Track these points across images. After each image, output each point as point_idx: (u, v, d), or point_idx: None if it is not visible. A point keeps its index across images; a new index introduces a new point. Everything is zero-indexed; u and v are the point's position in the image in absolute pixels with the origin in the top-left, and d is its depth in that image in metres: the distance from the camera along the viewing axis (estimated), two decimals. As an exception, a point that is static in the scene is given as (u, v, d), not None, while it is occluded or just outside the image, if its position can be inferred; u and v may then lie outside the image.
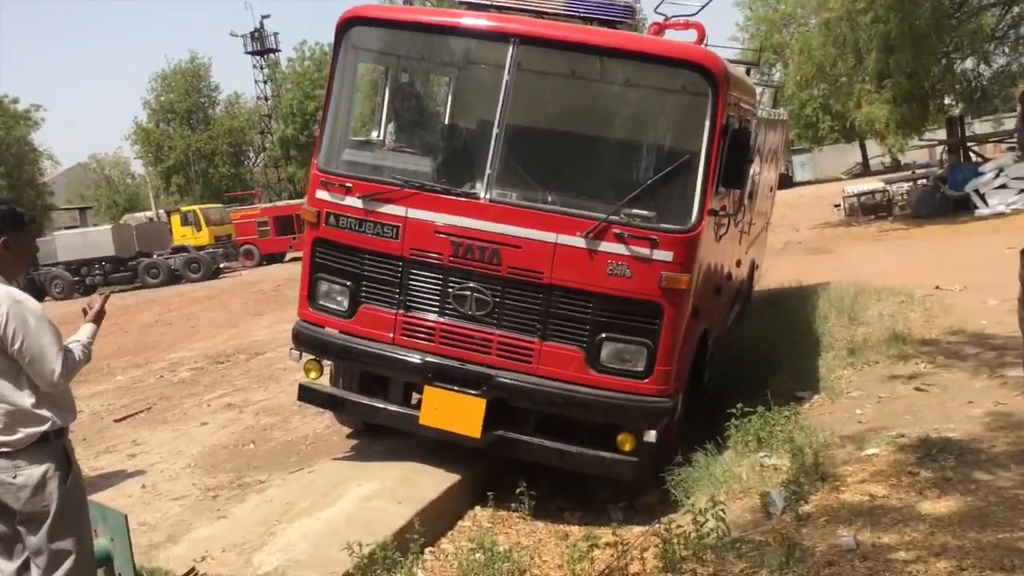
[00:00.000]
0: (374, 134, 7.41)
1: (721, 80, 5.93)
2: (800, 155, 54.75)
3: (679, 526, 4.86)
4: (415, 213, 6.18)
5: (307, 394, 6.88)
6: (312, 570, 5.02)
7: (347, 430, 7.80)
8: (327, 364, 6.93)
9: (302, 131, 57.83)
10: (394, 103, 7.10)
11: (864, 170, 49.73)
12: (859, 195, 25.52)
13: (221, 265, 35.71)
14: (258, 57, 61.51)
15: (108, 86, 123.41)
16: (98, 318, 4.08)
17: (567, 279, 5.96)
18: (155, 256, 34.10)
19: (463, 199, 6.12)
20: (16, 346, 3.67)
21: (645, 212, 5.96)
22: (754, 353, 9.07)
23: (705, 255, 6.32)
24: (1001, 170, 21.18)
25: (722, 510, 4.77)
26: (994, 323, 8.83)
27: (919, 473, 5.20)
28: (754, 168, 9.48)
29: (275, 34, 61.59)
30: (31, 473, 3.74)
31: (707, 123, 5.93)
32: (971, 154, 24.68)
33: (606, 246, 5.89)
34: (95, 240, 33.60)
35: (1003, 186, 20.87)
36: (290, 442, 8.00)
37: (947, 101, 21.76)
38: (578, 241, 5.91)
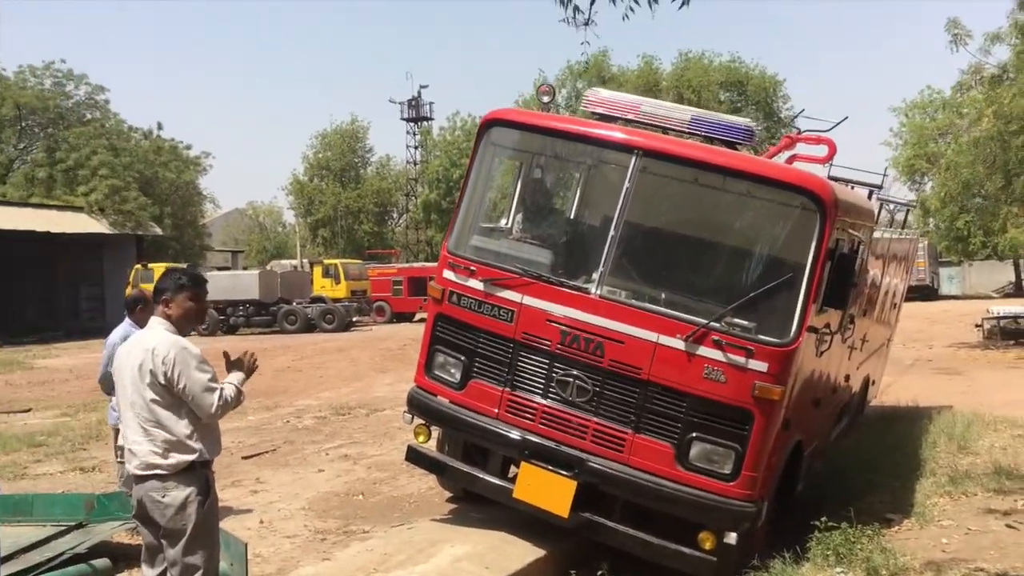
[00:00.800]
0: (503, 222, 8.02)
1: (829, 206, 6.26)
2: (948, 268, 52.99)
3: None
4: (530, 300, 6.70)
5: (414, 456, 7.43)
6: (400, 619, 5.47)
7: (448, 494, 8.28)
8: (435, 430, 7.46)
9: (445, 196, 60.09)
10: (523, 196, 7.69)
11: (1016, 290, 47.63)
12: (1001, 318, 24.62)
13: (354, 319, 37.33)
14: (412, 124, 64.59)
15: (272, 139, 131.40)
16: (249, 371, 4.80)
17: (664, 377, 6.32)
18: (295, 304, 35.97)
19: (575, 292, 6.60)
20: (181, 385, 4.41)
21: (745, 322, 6.28)
22: (856, 469, 9.10)
23: (803, 369, 6.56)
24: None
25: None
26: (1110, 469, 8.59)
27: (990, 609, 5.26)
28: (873, 283, 9.63)
29: (431, 103, 64.72)
30: (176, 495, 4.42)
31: (813, 245, 6.25)
32: None
33: (704, 350, 6.23)
34: (244, 283, 35.78)
35: None
36: (396, 498, 8.56)
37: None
38: (678, 343, 6.28)
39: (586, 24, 5.22)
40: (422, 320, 38.76)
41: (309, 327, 34.96)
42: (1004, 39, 20.65)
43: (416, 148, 65.34)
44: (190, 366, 4.43)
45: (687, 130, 7.05)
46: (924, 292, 41.91)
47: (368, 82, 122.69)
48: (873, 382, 12.20)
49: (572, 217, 8.31)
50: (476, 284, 6.90)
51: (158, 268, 32.19)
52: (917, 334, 25.20)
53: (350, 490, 8.86)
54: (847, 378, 9.31)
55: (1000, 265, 49.74)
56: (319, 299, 37.26)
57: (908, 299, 14.20)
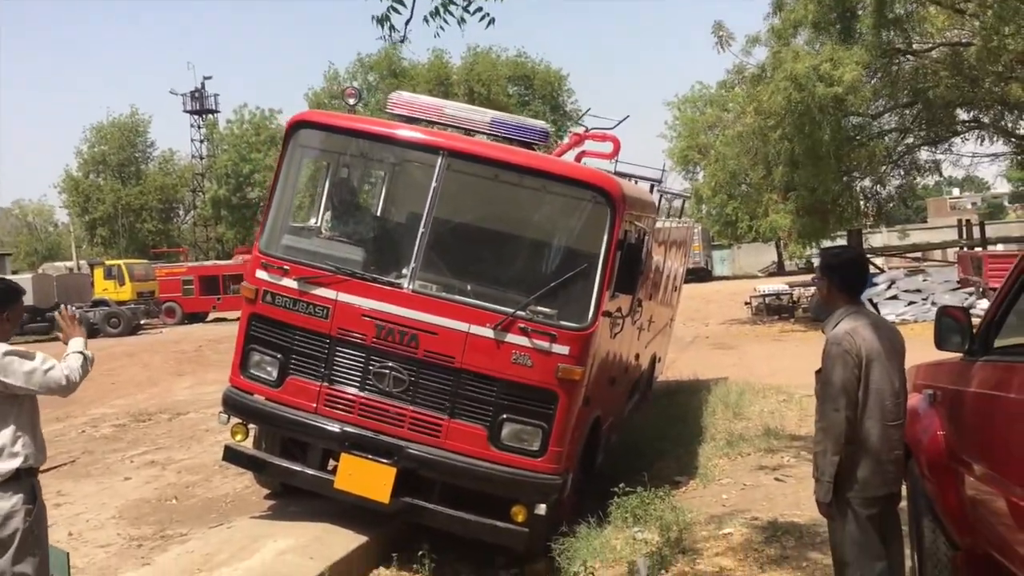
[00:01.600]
0: (312, 221, 8.19)
1: (618, 201, 6.91)
2: (720, 251, 57.23)
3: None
4: (344, 297, 6.93)
5: (232, 455, 7.46)
6: (229, 614, 5.59)
7: (265, 491, 8.35)
8: (252, 428, 7.53)
9: (235, 192, 58.25)
10: (332, 196, 7.89)
11: (779, 269, 52.15)
12: (766, 296, 27.10)
13: (142, 321, 35.60)
14: (197, 116, 61.98)
15: (40, 134, 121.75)
16: (75, 330, 4.62)
17: (476, 364, 6.75)
18: (74, 308, 33.81)
19: (388, 287, 6.90)
20: (18, 383, 4.31)
21: (548, 310, 6.82)
22: (647, 440, 9.96)
23: (599, 350, 7.19)
24: (893, 282, 22.96)
25: (592, 574, 5.54)
26: (858, 424, 9.88)
27: (763, 550, 6.07)
28: (656, 268, 10.53)
29: (215, 95, 62.32)
30: (1, 505, 4.34)
31: (605, 237, 6.87)
32: (870, 265, 26.46)
33: (512, 338, 6.71)
34: (14, 288, 33.20)
35: (894, 297, 22.59)
36: (211, 499, 8.53)
37: (847, 215, 23.56)
38: (487, 332, 6.72)
39: (402, 41, 5.52)
40: (217, 319, 37.69)
41: (92, 333, 32.86)
42: (762, 41, 22.78)
43: (202, 142, 62.76)
44: (13, 364, 4.33)
45: (487, 131, 7.51)
46: (699, 274, 45.16)
47: (147, 72, 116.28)
48: (659, 359, 13.26)
49: (381, 215, 8.60)
50: (290, 283, 7.04)
51: (-87, 275, 29.40)
52: (695, 313, 27.23)
53: (162, 495, 8.73)
54: (637, 357, 10.15)
55: (764, 247, 54.28)
56: (102, 302, 35.30)
57: (686, 281, 15.46)
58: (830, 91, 19.05)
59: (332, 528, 7.18)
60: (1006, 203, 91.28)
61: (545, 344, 6.68)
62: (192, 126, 62.38)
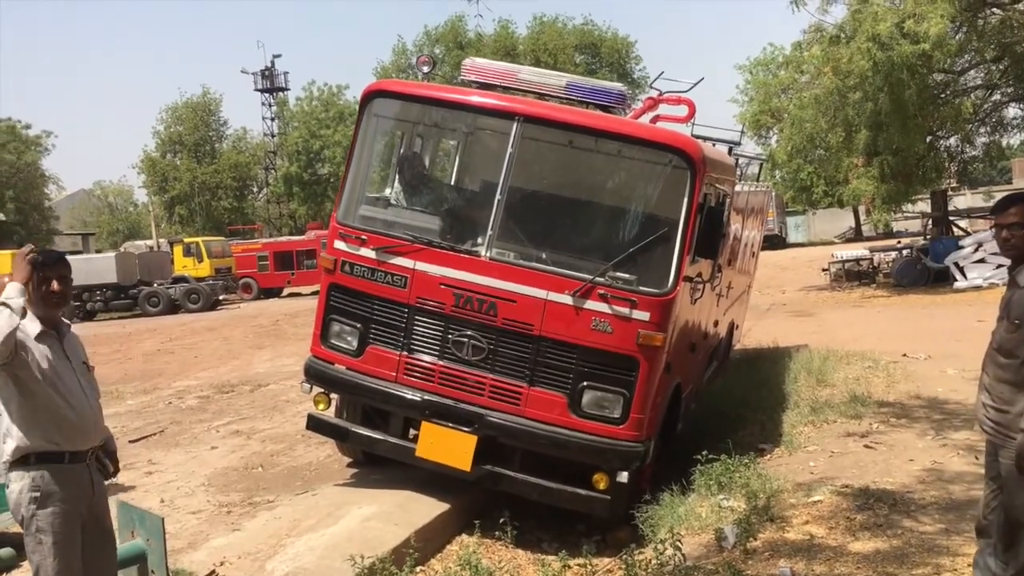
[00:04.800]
0: (388, 191, 8.19)
1: (699, 164, 6.74)
2: (794, 217, 55.97)
3: (642, 554, 5.54)
4: (422, 266, 6.93)
5: (315, 424, 7.58)
6: (318, 578, 5.68)
7: (347, 460, 8.46)
8: (334, 398, 7.62)
9: (306, 168, 58.95)
10: (407, 165, 7.88)
11: (857, 235, 50.79)
12: (845, 261, 26.41)
13: (220, 297, 36.43)
14: (267, 95, 62.76)
15: (118, 115, 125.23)
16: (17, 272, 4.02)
17: (555, 332, 6.70)
18: (156, 285, 34.76)
19: (466, 256, 6.87)
20: None
21: (627, 276, 6.71)
22: (728, 407, 9.80)
23: (680, 316, 7.06)
24: (980, 245, 22.07)
25: (679, 541, 5.46)
26: (948, 390, 9.59)
27: (855, 518, 5.90)
28: (735, 234, 10.30)
29: (285, 73, 62.89)
30: (12, 488, 4.14)
31: (685, 200, 6.71)
32: (954, 228, 25.62)
33: (591, 304, 6.63)
34: (99, 267, 34.24)
35: (982, 260, 21.75)
36: (295, 468, 8.69)
37: (932, 176, 22.75)
38: (566, 299, 6.65)
39: (479, -2, 5.43)
40: (292, 294, 38.36)
41: (173, 308, 33.93)
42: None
43: (273, 120, 63.46)
44: None
45: (563, 95, 7.40)
46: (773, 241, 44.18)
47: (218, 53, 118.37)
48: (737, 327, 13.03)
49: (457, 184, 8.57)
50: (368, 253, 7.07)
51: (2, 255, 30.51)
52: (771, 281, 26.73)
53: (248, 464, 8.92)
54: (716, 323, 9.97)
55: (841, 212, 52.91)
56: (182, 279, 36.15)
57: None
58: (916, 48, 18.29)
59: (415, 496, 7.26)
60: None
61: (625, 310, 6.59)
62: (263, 104, 63.11)
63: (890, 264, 25.90)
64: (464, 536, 7.08)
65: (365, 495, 7.29)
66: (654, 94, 10.43)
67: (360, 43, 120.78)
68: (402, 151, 7.89)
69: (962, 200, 47.48)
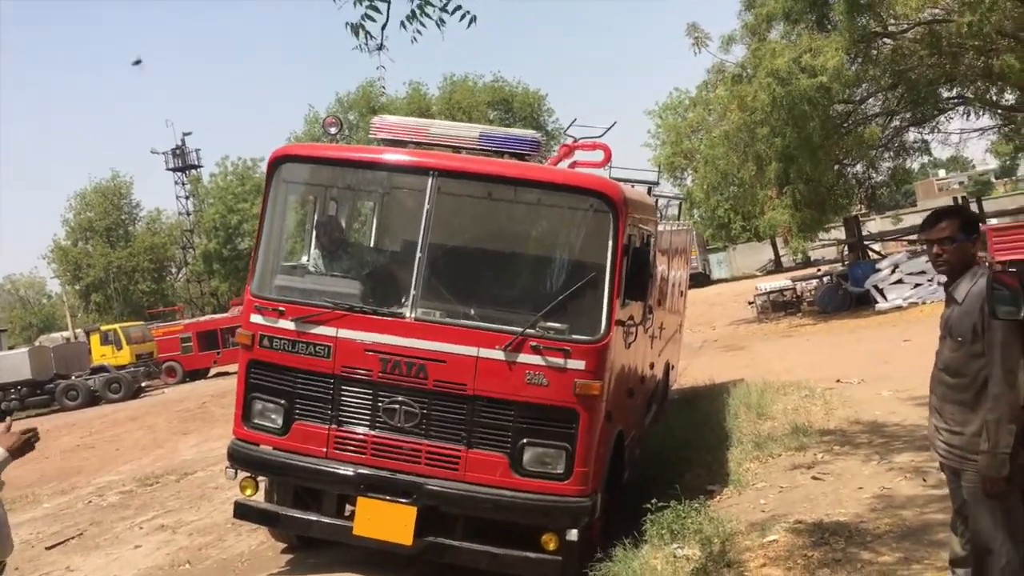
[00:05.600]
0: (304, 259, 7.88)
1: (621, 205, 6.61)
2: (716, 253, 57.04)
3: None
4: (345, 333, 6.61)
5: (243, 511, 7.11)
6: None
7: (282, 545, 7.98)
8: (263, 481, 7.19)
9: (225, 244, 58.02)
10: (322, 231, 7.58)
11: (777, 266, 51.92)
12: (770, 293, 26.81)
13: (143, 384, 35.19)
14: (180, 173, 61.82)
15: (24, 205, 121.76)
16: (16, 449, 3.95)
17: (489, 390, 6.41)
18: (74, 377, 33.41)
19: (390, 318, 6.58)
20: None
21: (558, 325, 6.50)
22: (671, 451, 9.60)
23: (615, 362, 6.87)
24: (896, 266, 22.65)
25: (637, 600, 5.19)
26: (887, 413, 9.59)
27: (812, 555, 5.72)
28: (663, 275, 10.23)
29: (197, 150, 62.26)
30: None
31: (610, 243, 6.56)
32: (869, 252, 26.26)
33: (524, 357, 6.38)
34: (11, 364, 32.81)
35: (899, 281, 22.28)
36: (226, 560, 8.16)
37: (843, 202, 23.35)
38: (498, 354, 6.39)
39: (379, 49, 5.24)
40: (220, 374, 37.25)
41: (93, 400, 32.57)
42: (738, 39, 22.65)
43: (187, 198, 62.54)
44: None
45: (477, 147, 7.22)
46: (698, 279, 44.79)
47: (125, 134, 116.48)
48: (672, 367, 12.93)
49: (375, 246, 8.30)
50: (287, 324, 6.73)
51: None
52: (700, 318, 26.92)
53: (174, 560, 8.35)
54: (652, 366, 9.82)
55: (760, 245, 54.13)
56: (101, 368, 34.82)
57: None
58: (814, 81, 18.88)
59: (355, 577, 6.84)
60: (993, 179, 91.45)
61: (559, 360, 6.37)
62: (176, 183, 62.24)
63: (812, 292, 26.38)
64: (411, 616, 6.70)
65: (303, 583, 6.85)
66: (569, 141, 10.40)
67: (272, 115, 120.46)
68: (316, 216, 7.60)
69: (873, 224, 49.03)
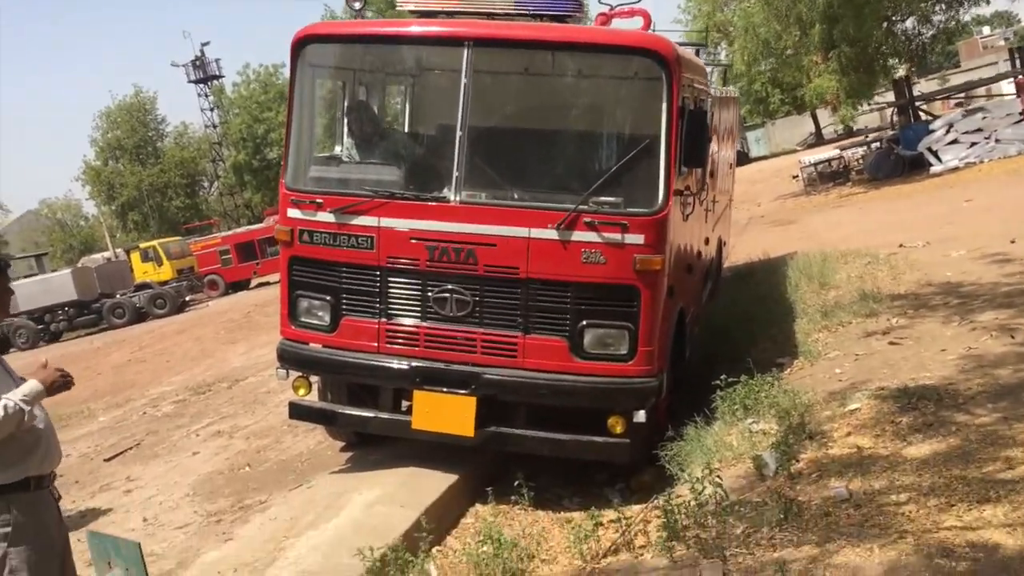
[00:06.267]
0: (337, 149, 7.48)
1: (674, 64, 6.07)
2: (754, 131, 55.46)
3: (679, 496, 4.98)
4: (388, 222, 6.26)
5: (298, 411, 6.94)
6: (326, 579, 5.09)
7: (340, 444, 7.84)
8: (315, 380, 6.98)
9: (254, 155, 57.53)
10: (354, 116, 7.16)
11: (818, 140, 50.44)
12: (816, 164, 25.95)
13: (187, 298, 35.42)
14: (202, 85, 60.97)
15: (53, 130, 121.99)
16: (52, 387, 3.80)
17: (543, 272, 6.07)
18: (118, 296, 33.65)
19: (434, 203, 6.20)
20: None
21: (613, 198, 6.07)
22: (732, 326, 9.27)
23: (674, 235, 6.45)
24: (951, 126, 21.66)
25: (719, 476, 4.91)
26: (959, 273, 9.10)
27: (901, 421, 5.38)
28: (713, 147, 9.68)
29: (217, 60, 60.98)
30: None
31: (664, 107, 6.06)
32: (920, 113, 25.17)
33: (578, 235, 6.00)
34: (56, 286, 33.02)
35: (954, 141, 21.33)
36: (285, 461, 8.05)
37: (891, 63, 22.21)
38: (550, 233, 6.02)
39: None
40: (261, 284, 37.45)
41: (140, 317, 32.82)
42: None
43: (212, 110, 61.70)
44: None
45: (513, 11, 6.65)
46: (737, 157, 43.74)
47: (143, 50, 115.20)
48: (724, 244, 12.47)
49: (412, 127, 7.84)
50: (326, 216, 6.38)
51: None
52: (743, 196, 26.08)
53: (234, 465, 8.27)
54: (707, 241, 9.38)
55: (800, 119, 52.53)
56: (144, 285, 34.97)
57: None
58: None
59: (418, 471, 6.68)
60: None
61: (617, 236, 5.97)
62: (200, 95, 61.26)
63: (860, 161, 25.45)
64: (478, 506, 6.54)
65: (365, 479, 6.68)
66: (605, 9, 9.74)
67: (290, 20, 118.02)
68: (346, 101, 7.16)
69: (916, 89, 47.13)
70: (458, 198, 6.15)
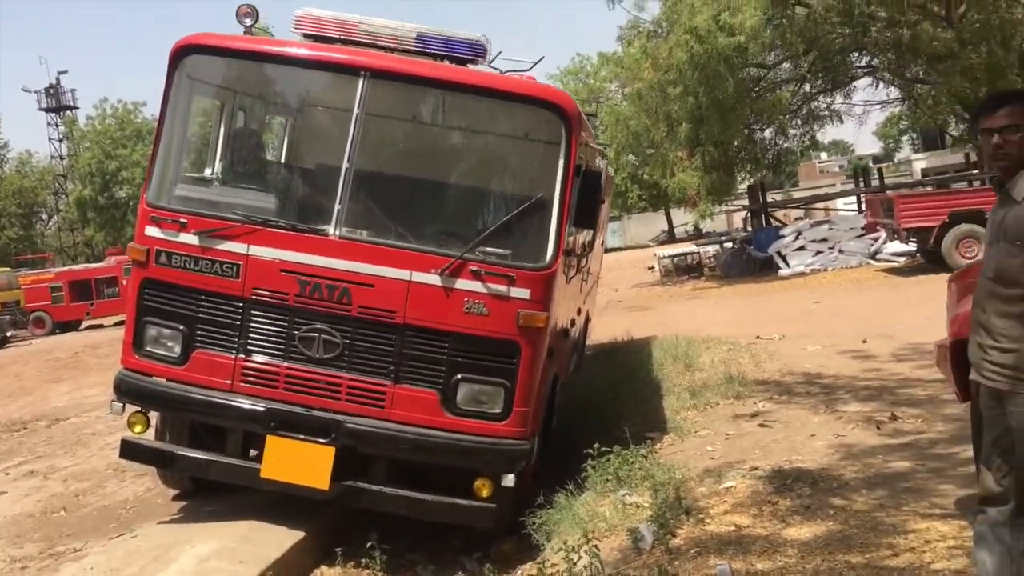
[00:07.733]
0: (208, 170, 6.96)
1: (574, 119, 5.96)
2: (611, 222, 57.23)
3: (553, 565, 4.65)
4: (257, 250, 5.79)
5: (131, 450, 6.22)
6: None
7: (173, 492, 7.09)
8: (155, 417, 6.30)
9: (102, 192, 54.68)
10: (233, 136, 6.69)
11: (670, 237, 52.42)
12: (673, 257, 26.80)
13: (8, 333, 32.77)
14: (54, 114, 57.95)
15: None
16: None
17: (422, 318, 5.74)
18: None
19: (311, 235, 5.79)
20: None
21: (501, 250, 5.84)
22: (597, 401, 9.09)
23: (558, 295, 6.26)
24: (800, 233, 22.90)
25: (595, 546, 4.62)
26: (817, 366, 9.32)
27: (778, 502, 5.26)
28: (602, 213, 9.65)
29: (73, 90, 58.37)
30: None
31: (561, 162, 5.90)
32: (772, 219, 26.53)
33: (462, 283, 5.72)
34: None
35: (802, 248, 22.52)
36: (107, 507, 7.22)
37: (749, 168, 23.43)
38: (433, 279, 5.71)
39: None
40: (92, 327, 35.07)
41: (-45, 348, 30.11)
42: (652, -5, 22.22)
43: (61, 141, 58.65)
44: None
45: (413, 48, 6.40)
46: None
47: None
48: (590, 319, 12.43)
49: (294, 155, 7.41)
50: (189, 239, 5.85)
51: None
52: (601, 281, 26.60)
53: (47, 508, 7.35)
54: (578, 311, 9.26)
55: (654, 216, 54.63)
56: (-39, 315, 32.25)
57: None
58: (732, 40, 18.64)
59: (261, 525, 6.08)
60: (871, 163, 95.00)
61: (503, 288, 5.72)
62: (49, 124, 58.26)
63: (712, 259, 26.46)
64: (324, 568, 5.97)
65: (200, 531, 6.01)
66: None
67: (155, 60, 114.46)
68: (225, 120, 6.69)
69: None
70: (338, 233, 5.77)
